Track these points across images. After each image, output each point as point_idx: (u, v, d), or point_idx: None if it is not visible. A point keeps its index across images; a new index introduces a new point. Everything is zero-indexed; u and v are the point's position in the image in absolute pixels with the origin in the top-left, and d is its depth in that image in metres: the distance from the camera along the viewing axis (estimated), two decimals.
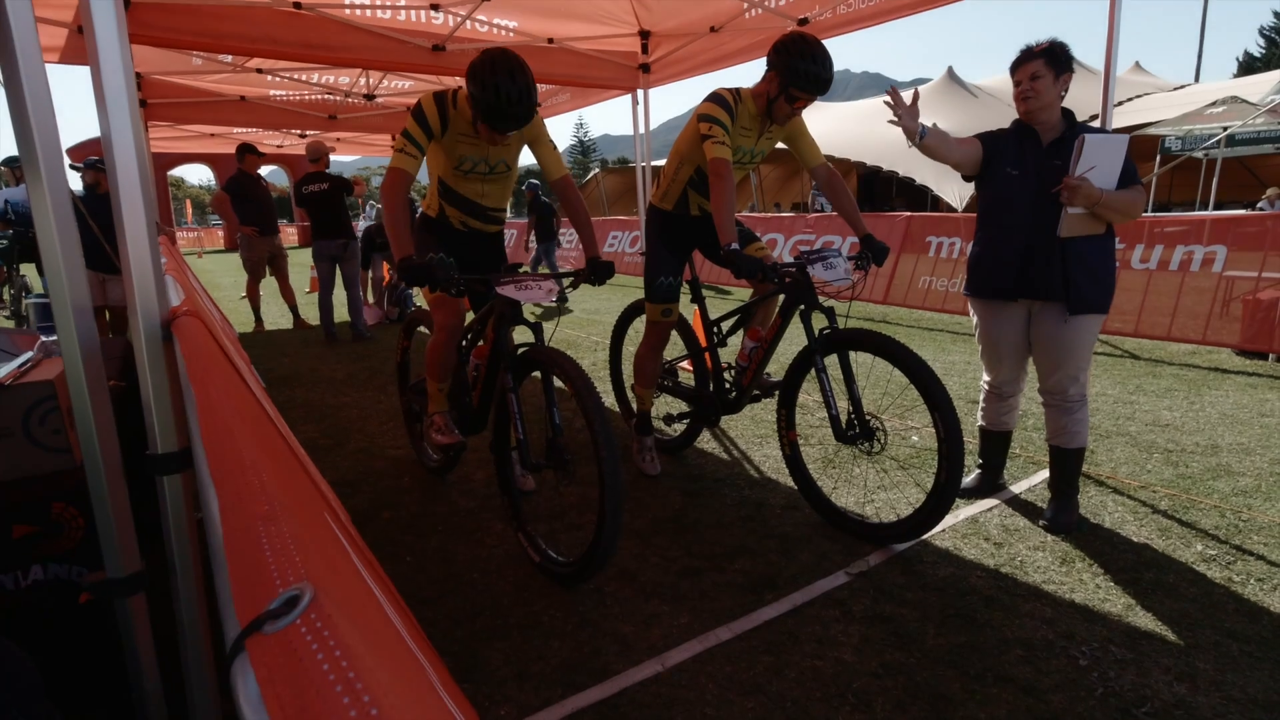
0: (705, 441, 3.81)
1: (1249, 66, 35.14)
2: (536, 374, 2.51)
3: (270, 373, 5.82)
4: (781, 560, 2.56)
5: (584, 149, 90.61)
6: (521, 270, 2.59)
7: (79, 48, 3.92)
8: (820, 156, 2.99)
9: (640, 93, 5.44)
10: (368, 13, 4.22)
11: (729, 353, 3.39)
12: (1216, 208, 14.09)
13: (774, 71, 2.73)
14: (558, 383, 2.43)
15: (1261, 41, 38.34)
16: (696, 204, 3.13)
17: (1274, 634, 2.03)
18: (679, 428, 3.63)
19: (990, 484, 3.06)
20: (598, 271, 2.73)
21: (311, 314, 7.85)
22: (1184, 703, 1.78)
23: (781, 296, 2.90)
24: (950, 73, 18.71)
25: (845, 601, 2.28)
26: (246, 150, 6.98)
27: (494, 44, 4.76)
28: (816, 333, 2.72)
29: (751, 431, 3.94)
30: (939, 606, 2.23)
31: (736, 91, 2.85)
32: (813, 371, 2.75)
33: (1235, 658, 1.94)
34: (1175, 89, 18.15)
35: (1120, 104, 14.90)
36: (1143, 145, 14.11)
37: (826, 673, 1.95)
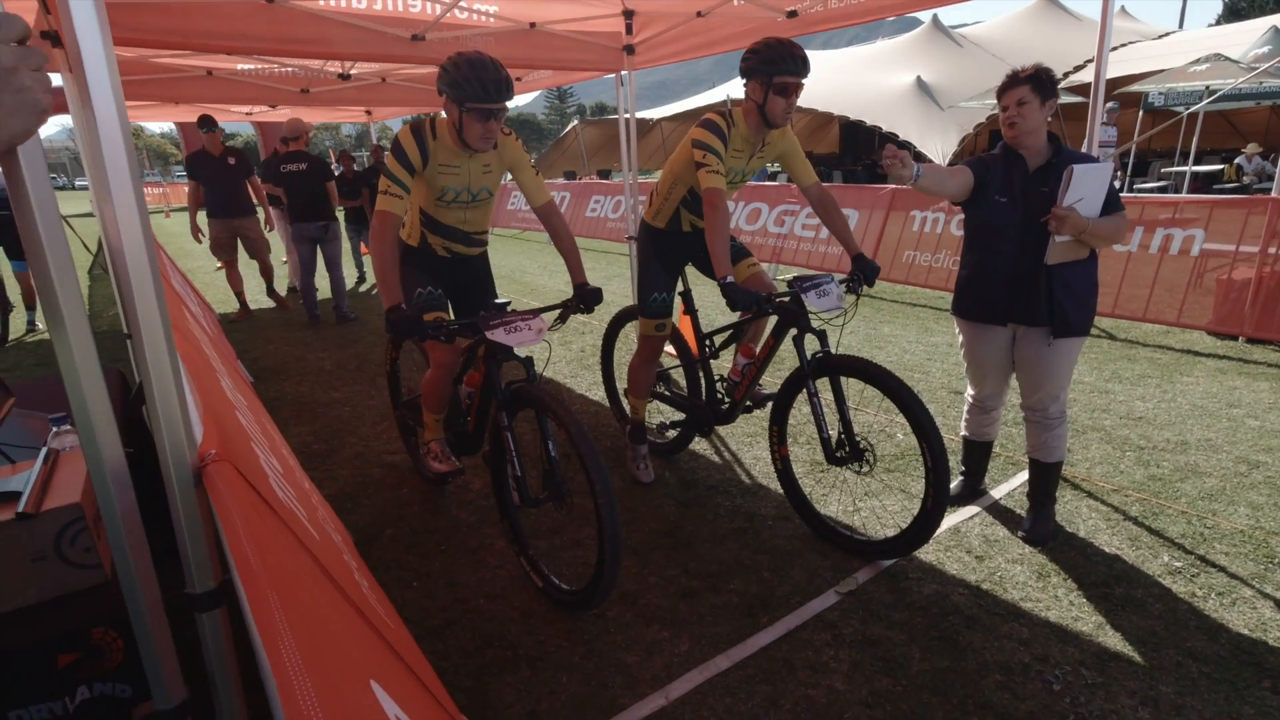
0: (696, 442, 3.90)
1: (1235, 10, 34.72)
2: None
3: (256, 363, 5.78)
4: (774, 578, 2.67)
5: (560, 94, 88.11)
6: (510, 308, 2.60)
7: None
8: (813, 175, 3.00)
9: (626, 74, 5.32)
10: (342, 2, 4.06)
11: (720, 363, 3.45)
12: (1196, 161, 14.18)
13: (755, 79, 2.75)
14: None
15: None
16: (689, 221, 3.14)
17: (1231, 653, 2.19)
18: (673, 434, 3.71)
19: (972, 489, 3.19)
20: (586, 299, 2.75)
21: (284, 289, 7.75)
22: None
23: (774, 317, 2.95)
24: (935, 21, 18.36)
25: (836, 624, 2.41)
26: (206, 130, 6.71)
27: (474, 29, 4.62)
28: (809, 356, 2.78)
29: (742, 430, 4.03)
30: (924, 628, 2.37)
31: (729, 114, 2.84)
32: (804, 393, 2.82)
33: (1195, 679, 2.10)
34: (1159, 37, 18.01)
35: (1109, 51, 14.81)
36: (1126, 98, 14.07)
37: (820, 702, 2.08)
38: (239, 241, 6.99)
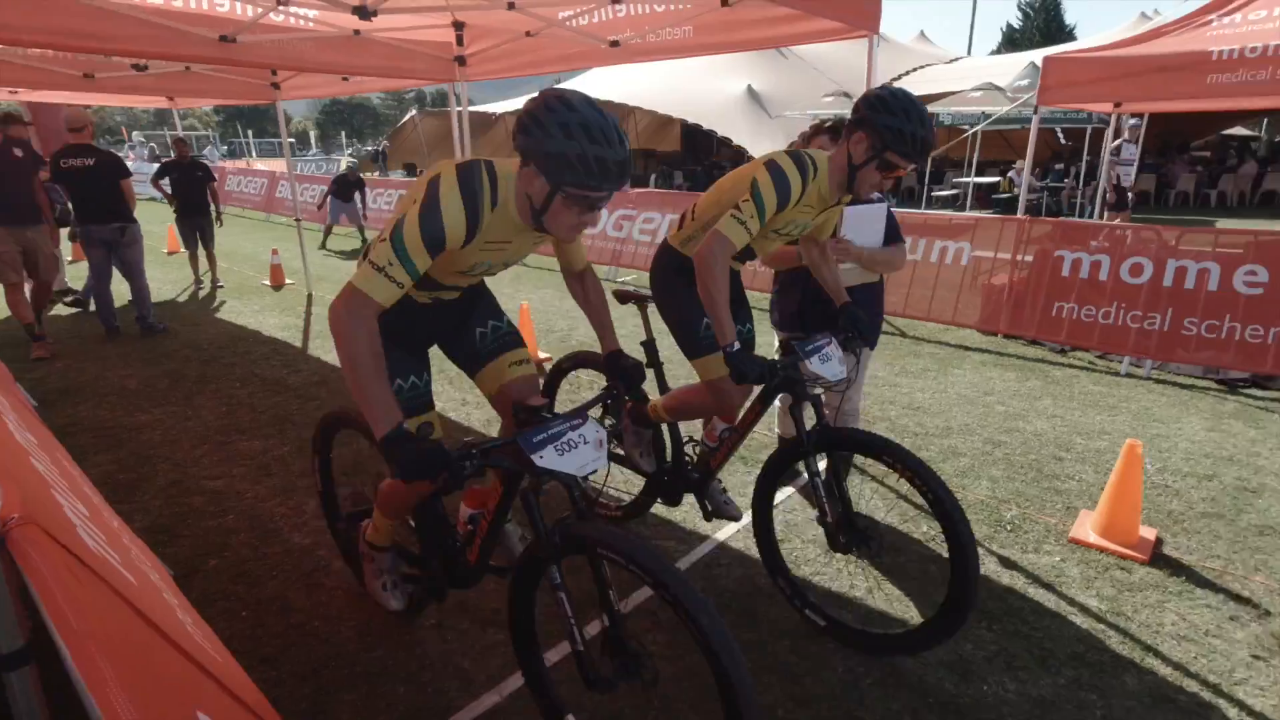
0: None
1: (1011, 39, 40.06)
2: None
3: (41, 384, 5.16)
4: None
5: None
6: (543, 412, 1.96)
7: None
8: (827, 233, 2.74)
9: (459, 85, 5.34)
10: None
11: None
12: (979, 173, 16.52)
13: (863, 132, 2.20)
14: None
15: (1019, 15, 43.68)
16: None
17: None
18: (626, 499, 3.27)
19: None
20: (625, 376, 2.15)
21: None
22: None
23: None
24: None
25: (655, 612, 2.69)
26: (10, 121, 5.68)
27: (293, 34, 4.45)
28: (807, 428, 2.41)
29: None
30: (733, 608, 2.71)
31: (813, 160, 2.34)
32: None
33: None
34: (951, 61, 20.53)
35: (908, 73, 16.78)
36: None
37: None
38: (23, 257, 5.64)
